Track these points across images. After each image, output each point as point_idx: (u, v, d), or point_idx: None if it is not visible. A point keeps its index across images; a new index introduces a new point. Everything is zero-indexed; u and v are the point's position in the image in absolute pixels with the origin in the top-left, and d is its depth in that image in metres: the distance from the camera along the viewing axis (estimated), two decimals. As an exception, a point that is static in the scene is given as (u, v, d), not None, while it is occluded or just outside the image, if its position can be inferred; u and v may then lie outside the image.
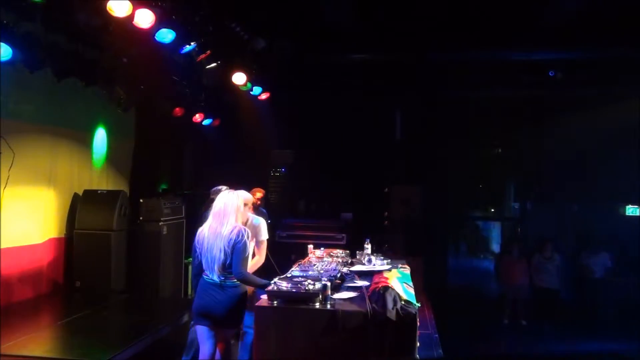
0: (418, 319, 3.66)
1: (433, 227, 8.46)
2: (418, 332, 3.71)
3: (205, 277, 3.96)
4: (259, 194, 6.75)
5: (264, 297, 3.82)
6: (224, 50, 6.13)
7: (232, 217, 3.92)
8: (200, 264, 3.99)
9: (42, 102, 6.07)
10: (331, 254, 5.36)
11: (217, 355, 4.13)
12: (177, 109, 7.20)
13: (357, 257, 5.35)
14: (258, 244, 4.77)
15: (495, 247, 13.91)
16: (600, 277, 8.56)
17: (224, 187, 5.00)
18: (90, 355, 4.36)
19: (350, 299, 3.82)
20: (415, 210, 8.26)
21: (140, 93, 6.52)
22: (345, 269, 4.77)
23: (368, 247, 5.33)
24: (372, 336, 3.48)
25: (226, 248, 3.84)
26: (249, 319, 4.49)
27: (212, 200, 5.20)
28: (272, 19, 6.67)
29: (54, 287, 6.40)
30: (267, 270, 4.94)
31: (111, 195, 6.82)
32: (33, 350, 4.41)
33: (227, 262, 3.85)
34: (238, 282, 3.91)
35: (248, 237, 3.90)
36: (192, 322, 4.54)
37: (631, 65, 7.55)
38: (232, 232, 3.86)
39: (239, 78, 6.68)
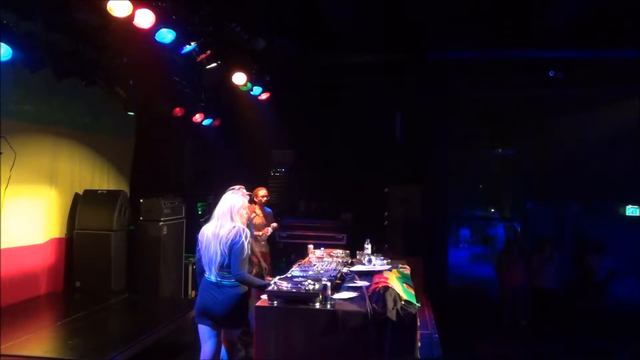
0: (418, 319, 3.67)
1: (433, 227, 8.45)
2: (418, 332, 3.72)
3: (205, 276, 3.97)
4: (262, 191, 6.81)
5: (264, 297, 3.83)
6: (224, 50, 6.12)
7: (227, 217, 3.93)
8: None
9: (43, 102, 6.08)
10: (331, 254, 5.36)
11: (224, 355, 4.14)
12: (177, 109, 7.20)
13: (357, 257, 5.36)
14: None
15: (496, 247, 13.94)
16: (603, 278, 8.55)
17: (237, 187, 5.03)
18: (90, 355, 4.36)
19: (350, 299, 3.82)
20: (415, 210, 8.23)
21: (140, 93, 6.52)
22: (345, 269, 4.77)
23: (368, 247, 5.34)
24: (372, 336, 3.49)
25: (223, 249, 3.84)
26: None
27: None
28: (272, 19, 6.67)
29: (54, 287, 6.40)
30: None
31: (111, 195, 6.82)
32: (33, 350, 4.42)
33: (225, 263, 3.85)
34: (236, 282, 3.91)
35: (247, 238, 3.89)
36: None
37: (631, 65, 7.55)
38: (229, 232, 3.86)
39: (239, 78, 6.68)
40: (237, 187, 4.80)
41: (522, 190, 11.72)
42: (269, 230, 6.66)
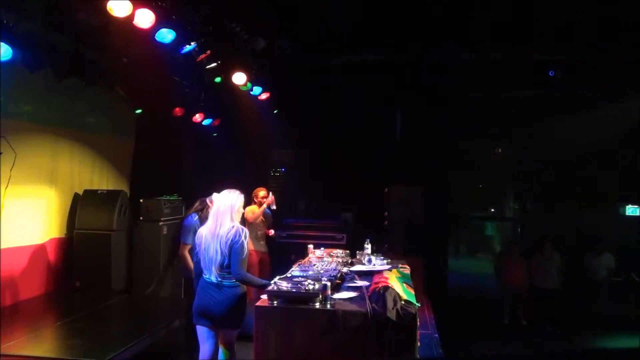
0: (418, 319, 3.67)
1: (433, 227, 8.45)
2: (418, 332, 3.72)
3: (204, 277, 3.96)
4: (263, 192, 6.83)
5: (264, 297, 3.83)
6: (224, 50, 6.12)
7: (227, 216, 3.92)
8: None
9: (43, 102, 6.07)
10: (331, 254, 5.37)
11: (221, 356, 4.13)
12: (177, 109, 7.20)
13: (357, 257, 5.37)
14: None
15: (496, 247, 13.94)
16: (602, 278, 8.55)
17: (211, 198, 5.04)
18: (90, 355, 4.35)
19: (350, 299, 3.82)
20: (415, 210, 8.24)
21: (140, 93, 6.52)
22: (345, 269, 4.78)
23: (368, 247, 5.35)
24: (372, 336, 3.49)
25: (223, 248, 3.83)
26: None
27: (197, 207, 5.42)
28: (272, 19, 6.67)
29: (54, 287, 6.40)
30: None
31: (111, 195, 6.81)
32: (33, 350, 4.41)
33: (225, 263, 3.84)
34: (236, 282, 3.91)
35: (246, 237, 3.89)
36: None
37: (631, 65, 7.55)
38: (229, 232, 3.86)
39: (239, 78, 6.68)
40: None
41: (522, 190, 11.71)
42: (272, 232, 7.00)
